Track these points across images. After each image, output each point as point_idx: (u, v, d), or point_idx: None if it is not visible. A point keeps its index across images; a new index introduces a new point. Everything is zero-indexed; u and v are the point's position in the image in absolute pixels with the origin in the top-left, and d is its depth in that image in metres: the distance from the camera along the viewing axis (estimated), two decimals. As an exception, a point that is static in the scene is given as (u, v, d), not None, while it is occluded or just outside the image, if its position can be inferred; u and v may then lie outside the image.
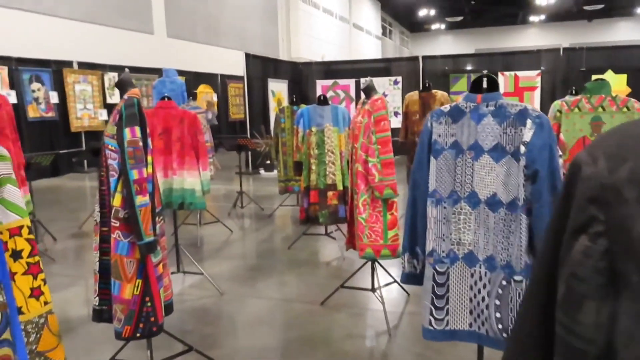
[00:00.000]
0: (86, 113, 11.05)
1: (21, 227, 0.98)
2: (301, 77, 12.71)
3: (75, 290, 4.12)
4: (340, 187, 4.84)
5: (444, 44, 37.41)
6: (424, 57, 12.13)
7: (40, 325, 0.97)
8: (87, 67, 11.06)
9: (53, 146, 10.17)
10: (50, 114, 10.24)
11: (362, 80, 12.10)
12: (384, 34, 34.50)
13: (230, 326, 3.44)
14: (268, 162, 10.64)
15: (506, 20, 33.86)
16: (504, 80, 12.17)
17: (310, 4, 21.96)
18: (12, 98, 8.84)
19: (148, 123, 3.90)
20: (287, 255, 4.99)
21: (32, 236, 0.98)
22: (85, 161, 10.63)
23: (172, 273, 4.09)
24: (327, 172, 4.80)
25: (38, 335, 0.97)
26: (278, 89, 11.92)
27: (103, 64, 11.42)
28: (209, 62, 15.26)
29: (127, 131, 2.18)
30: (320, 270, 4.55)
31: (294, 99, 6.43)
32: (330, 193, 4.83)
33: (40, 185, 9.10)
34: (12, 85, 9.36)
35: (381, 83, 12.10)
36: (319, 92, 12.00)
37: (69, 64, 10.62)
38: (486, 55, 13.95)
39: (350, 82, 12.39)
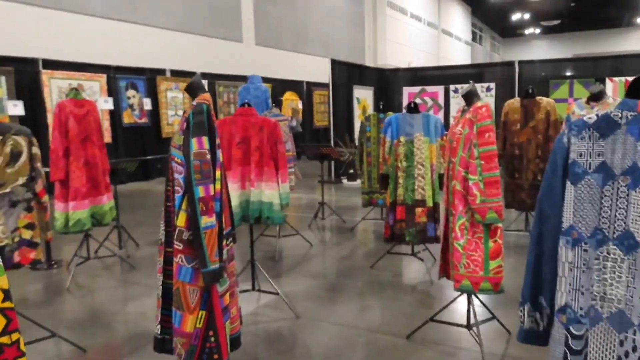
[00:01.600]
0: (177, 119, 11.38)
1: None
2: (387, 84, 12.29)
3: (150, 303, 4.01)
4: (430, 204, 4.38)
5: (538, 49, 35.19)
6: (520, 62, 11.23)
7: None
8: (178, 74, 11.40)
9: (145, 151, 10.55)
10: (144, 120, 10.65)
11: (452, 87, 11.45)
12: (474, 39, 33.10)
13: (305, 357, 3.11)
14: (351, 171, 10.32)
15: (609, 23, 31.11)
16: (612, 86, 11.00)
17: (398, 9, 21.46)
18: (110, 104, 9.24)
19: (227, 131, 3.72)
20: (369, 275, 4.60)
21: (8, 304, 0.68)
22: (174, 166, 10.90)
23: (247, 291, 3.86)
24: (416, 187, 4.37)
25: None
26: (363, 96, 11.58)
27: (193, 71, 11.71)
28: (295, 69, 15.28)
29: (194, 142, 1.92)
30: (405, 296, 4.11)
31: (381, 106, 6.04)
32: (418, 209, 4.39)
33: (129, 188, 9.43)
34: (110, 92, 9.82)
35: (473, 90, 11.37)
36: (405, 99, 11.51)
37: (162, 71, 10.99)
38: (590, 59, 12.69)
39: (439, 89, 11.77)
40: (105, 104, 9.02)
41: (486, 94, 11.31)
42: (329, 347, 3.21)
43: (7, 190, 2.78)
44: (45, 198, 2.95)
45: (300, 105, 14.49)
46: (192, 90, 2.12)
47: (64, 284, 4.44)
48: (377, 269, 4.75)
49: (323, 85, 15.80)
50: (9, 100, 7.78)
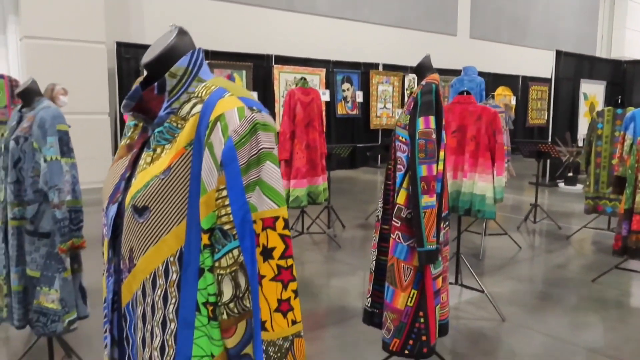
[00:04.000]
0: (385, 112, 11.69)
1: (276, 218, 0.78)
2: (624, 79, 10.64)
3: (353, 281, 4.20)
4: (680, 216, 3.66)
5: None
6: None
7: (284, 351, 0.75)
8: (390, 68, 11.68)
9: (353, 140, 11.11)
10: (355, 112, 11.20)
11: None
12: None
13: (510, 362, 2.90)
14: (570, 174, 9.26)
15: None
16: None
17: (644, -7, 18.38)
18: (327, 96, 9.96)
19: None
20: (589, 290, 4.07)
21: (287, 232, 0.76)
22: (379, 156, 11.26)
23: (450, 284, 3.76)
24: (662, 195, 3.68)
25: (280, 362, 0.74)
26: (592, 91, 10.25)
27: (405, 65, 11.88)
28: (511, 63, 14.33)
29: (420, 121, 1.91)
30: (637, 320, 3.52)
31: (619, 100, 5.25)
32: (663, 222, 3.70)
33: (338, 175, 10.03)
34: (327, 85, 10.57)
35: None
36: (647, 96, 9.83)
37: (375, 66, 11.39)
38: None
39: (697, 84, 9.75)
40: (323, 95, 9.76)
41: None
42: (540, 358, 2.92)
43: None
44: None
45: (513, 101, 13.54)
46: (420, 71, 2.11)
47: (280, 253, 4.93)
48: (600, 284, 4.17)
49: (542, 80, 14.49)
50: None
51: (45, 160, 1.97)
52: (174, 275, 0.80)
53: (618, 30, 17.77)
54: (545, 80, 14.37)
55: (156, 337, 0.81)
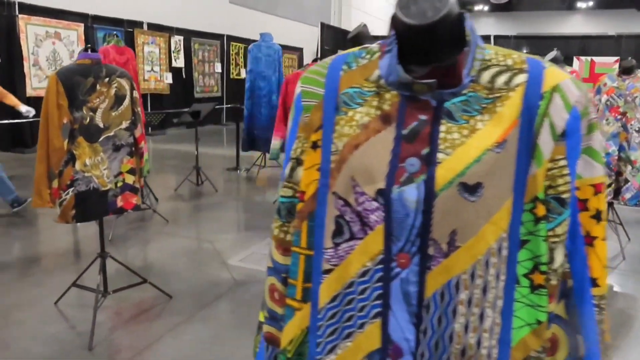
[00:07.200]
0: (153, 75, 10.92)
1: (603, 183, 0.83)
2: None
3: (209, 253, 4.01)
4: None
5: (486, 26, 36.09)
6: (495, 37, 11.69)
7: (605, 301, 0.86)
8: (156, 28, 10.89)
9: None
10: (118, 75, 10.15)
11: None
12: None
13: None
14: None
15: (552, 5, 32.60)
16: (579, 65, 11.76)
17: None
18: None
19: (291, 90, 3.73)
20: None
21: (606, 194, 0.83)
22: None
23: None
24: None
25: (604, 312, 0.83)
26: (344, 61, 11.63)
27: (170, 26, 11.25)
28: (268, 31, 14.98)
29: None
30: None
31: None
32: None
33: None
34: (87, 43, 9.24)
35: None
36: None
37: (140, 24, 10.45)
38: (561, 38, 13.43)
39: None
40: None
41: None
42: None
43: (112, 133, 2.70)
44: (143, 144, 2.89)
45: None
46: (358, 40, 2.15)
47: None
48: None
49: (291, 49, 15.63)
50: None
51: None
52: (505, 252, 0.78)
53: (346, 8, 20.32)
54: (294, 49, 15.57)
55: (487, 318, 0.78)
